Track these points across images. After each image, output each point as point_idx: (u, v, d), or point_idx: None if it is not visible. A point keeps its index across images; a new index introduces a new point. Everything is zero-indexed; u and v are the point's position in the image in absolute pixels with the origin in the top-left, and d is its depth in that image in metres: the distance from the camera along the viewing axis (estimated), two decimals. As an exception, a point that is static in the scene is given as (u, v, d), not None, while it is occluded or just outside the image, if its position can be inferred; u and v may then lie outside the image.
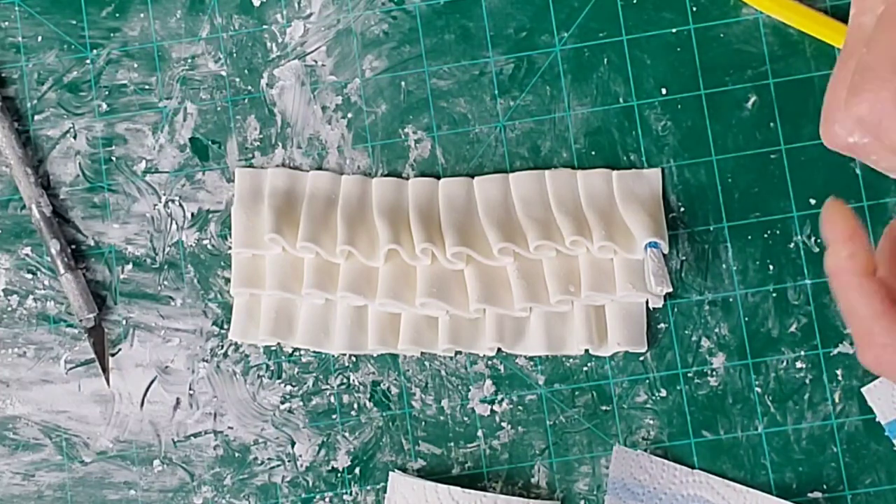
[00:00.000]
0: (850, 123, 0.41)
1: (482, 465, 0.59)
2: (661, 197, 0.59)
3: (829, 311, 0.58)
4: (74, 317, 0.60)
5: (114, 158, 0.61)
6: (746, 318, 0.59)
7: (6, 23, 0.62)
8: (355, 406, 0.60)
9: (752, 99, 0.59)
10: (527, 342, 0.59)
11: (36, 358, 0.61)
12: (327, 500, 0.59)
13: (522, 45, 0.60)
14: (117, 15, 0.62)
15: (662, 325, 0.59)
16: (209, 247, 0.61)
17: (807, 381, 0.58)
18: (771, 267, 0.59)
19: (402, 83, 0.61)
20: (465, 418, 0.59)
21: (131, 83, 0.62)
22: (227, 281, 0.60)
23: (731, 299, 0.59)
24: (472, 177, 0.60)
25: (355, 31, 0.61)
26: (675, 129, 0.59)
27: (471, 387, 0.59)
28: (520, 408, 0.59)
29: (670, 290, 0.57)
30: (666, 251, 0.58)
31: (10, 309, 0.61)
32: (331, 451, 0.59)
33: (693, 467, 0.58)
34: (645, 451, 0.58)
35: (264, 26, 0.61)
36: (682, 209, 0.59)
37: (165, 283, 0.61)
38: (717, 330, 0.59)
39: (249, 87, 0.61)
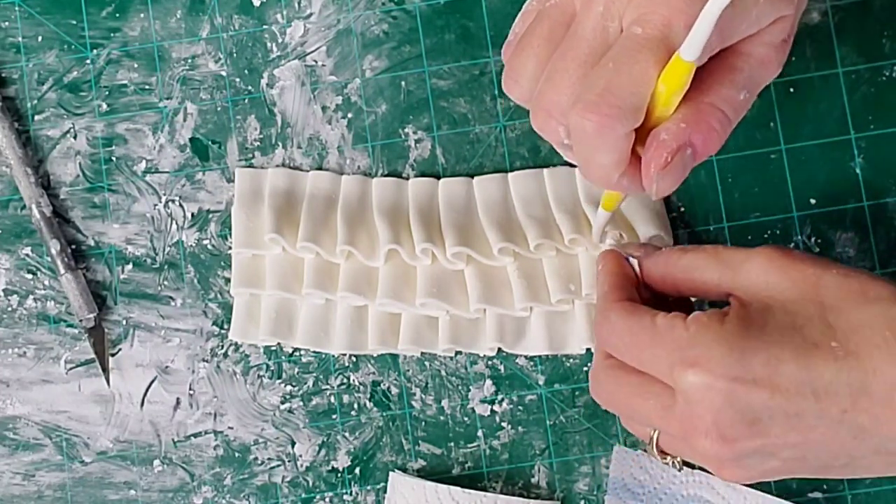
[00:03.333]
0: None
1: (482, 465, 0.59)
2: None
3: None
4: (74, 317, 0.60)
5: (114, 158, 0.61)
6: (746, 318, 0.59)
7: (6, 23, 0.62)
8: (355, 406, 0.60)
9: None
10: (528, 342, 0.59)
11: (36, 358, 0.61)
12: (327, 500, 0.59)
13: (522, 45, 0.61)
14: (117, 15, 0.62)
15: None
16: (209, 247, 0.61)
17: (807, 381, 0.58)
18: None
19: (403, 83, 0.61)
20: (466, 418, 0.59)
21: (131, 83, 0.62)
22: (228, 281, 0.60)
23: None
24: (472, 177, 0.60)
25: (355, 31, 0.61)
26: (675, 129, 0.60)
27: (471, 387, 0.59)
28: (520, 408, 0.59)
29: None
30: (671, 244, 0.58)
31: (10, 309, 0.61)
32: (331, 451, 0.59)
33: (693, 467, 0.58)
34: (645, 451, 0.58)
35: (264, 26, 0.61)
36: (682, 209, 0.59)
37: (165, 283, 0.61)
38: (717, 330, 0.59)
39: (249, 87, 0.61)
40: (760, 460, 0.46)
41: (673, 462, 0.50)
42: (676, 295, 0.51)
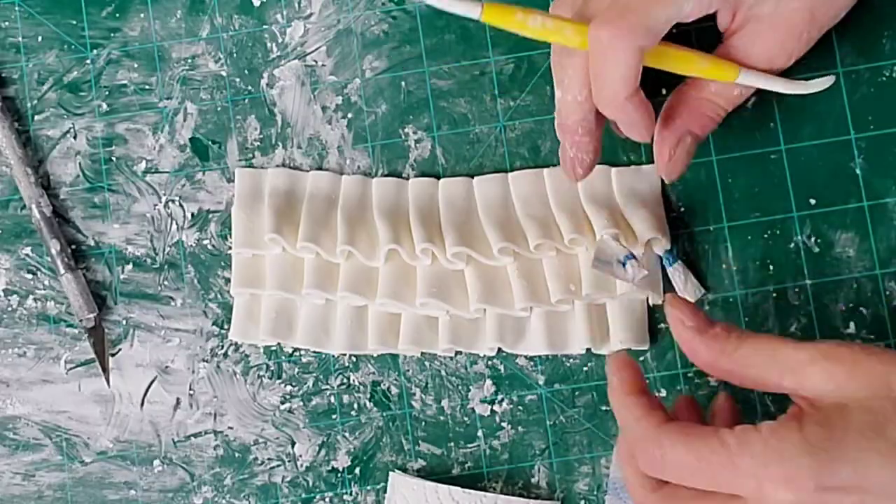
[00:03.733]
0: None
1: (482, 465, 0.59)
2: (660, 193, 0.59)
3: (829, 312, 0.58)
4: (74, 317, 0.60)
5: (114, 158, 0.61)
6: (746, 318, 0.59)
7: (6, 23, 0.62)
8: (355, 406, 0.60)
9: (752, 99, 0.59)
10: (528, 342, 0.59)
11: (36, 358, 0.61)
12: (327, 500, 0.59)
13: (523, 45, 0.60)
14: (117, 15, 0.62)
15: (662, 325, 0.59)
16: (209, 247, 0.61)
17: (807, 381, 0.58)
18: (771, 267, 0.59)
19: (403, 83, 0.61)
20: (466, 418, 0.59)
21: (131, 83, 0.62)
22: (228, 281, 0.60)
23: (731, 299, 0.59)
24: (472, 177, 0.60)
25: (355, 31, 0.61)
26: (675, 129, 0.60)
27: (471, 387, 0.59)
28: (520, 408, 0.59)
29: (702, 293, 0.58)
30: (668, 246, 0.58)
31: (10, 309, 0.61)
32: (331, 451, 0.60)
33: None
34: (645, 451, 0.58)
35: (264, 26, 0.61)
36: (682, 209, 0.59)
37: (165, 283, 0.61)
38: (717, 330, 0.59)
39: (249, 88, 0.61)
40: None
41: None
42: (723, 380, 0.49)
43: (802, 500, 0.43)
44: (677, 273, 0.58)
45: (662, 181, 0.59)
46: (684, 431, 0.46)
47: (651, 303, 0.59)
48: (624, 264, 0.55)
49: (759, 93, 0.55)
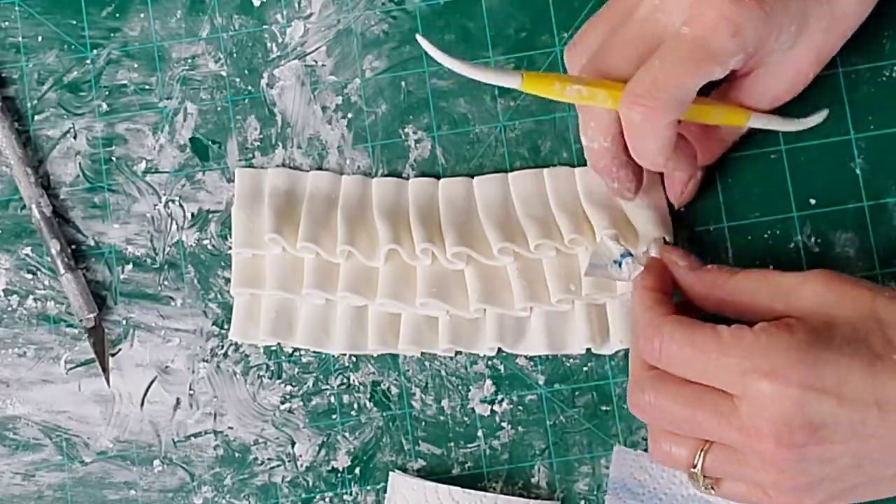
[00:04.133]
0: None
1: (482, 465, 0.59)
2: (662, 190, 0.59)
3: None
4: (74, 317, 0.60)
5: (114, 158, 0.61)
6: (746, 318, 0.59)
7: (6, 23, 0.62)
8: (355, 406, 0.60)
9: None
10: (528, 342, 0.59)
11: (36, 358, 0.61)
12: (327, 500, 0.59)
13: (523, 45, 0.61)
14: (117, 15, 0.62)
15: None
16: (209, 247, 0.61)
17: (807, 381, 0.58)
18: (771, 267, 0.59)
19: (403, 83, 0.61)
20: (466, 418, 0.59)
21: (131, 83, 0.62)
22: (228, 281, 0.60)
23: (731, 299, 0.59)
24: (473, 177, 0.60)
25: (355, 31, 0.61)
26: (675, 129, 0.60)
27: (471, 387, 0.59)
28: (520, 408, 0.59)
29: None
30: (671, 242, 0.58)
31: (10, 309, 0.61)
32: (331, 451, 0.60)
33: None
34: (645, 451, 0.58)
35: (264, 26, 0.62)
36: (682, 209, 0.59)
37: (166, 283, 0.61)
38: (717, 330, 0.59)
39: (249, 88, 0.61)
40: (819, 466, 0.47)
41: (709, 485, 0.51)
42: (716, 312, 0.52)
43: (783, 393, 0.46)
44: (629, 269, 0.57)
45: (662, 180, 0.59)
46: (684, 323, 0.49)
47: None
48: (620, 264, 0.55)
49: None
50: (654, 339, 0.49)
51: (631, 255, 0.55)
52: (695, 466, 0.50)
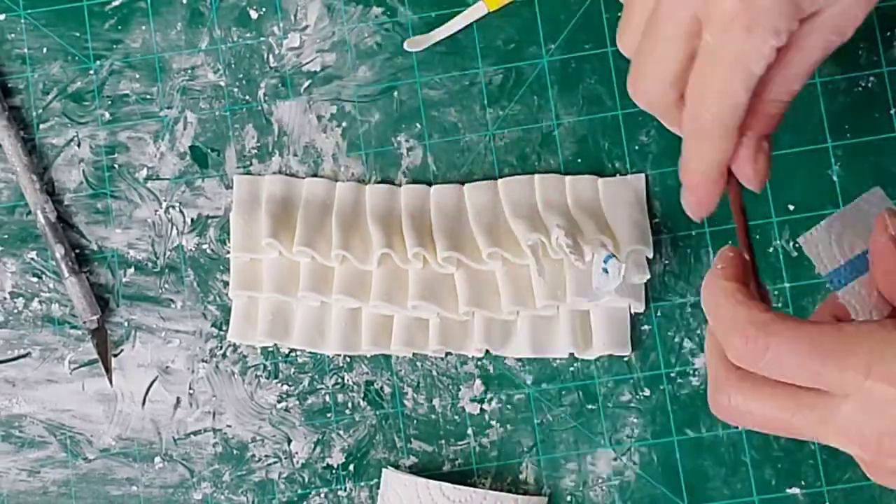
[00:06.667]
0: None
1: (472, 461, 0.60)
2: (645, 202, 0.60)
3: (808, 315, 0.59)
4: (78, 319, 0.61)
5: (116, 166, 0.62)
6: (727, 320, 0.59)
7: (13, 35, 0.62)
8: (349, 405, 0.60)
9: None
10: (514, 344, 0.59)
11: (41, 358, 0.61)
12: (322, 495, 0.60)
13: (511, 57, 0.61)
14: (120, 27, 0.62)
15: (646, 326, 0.59)
16: (208, 251, 0.61)
17: (785, 380, 0.59)
18: (750, 271, 0.59)
19: (395, 93, 0.61)
20: (456, 417, 0.60)
21: (133, 93, 0.62)
22: (226, 284, 0.61)
23: (712, 302, 0.59)
24: (463, 183, 0.61)
25: (350, 43, 0.62)
26: (659, 137, 0.60)
27: (461, 386, 0.60)
28: (508, 407, 0.60)
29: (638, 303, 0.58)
30: (650, 255, 0.58)
31: (16, 311, 0.61)
32: (326, 449, 0.60)
33: (677, 467, 0.59)
34: (629, 448, 0.59)
35: (262, 38, 0.62)
36: (664, 214, 0.60)
37: (166, 286, 0.61)
38: (698, 332, 0.59)
39: (247, 97, 0.62)
40: None
41: None
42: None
43: None
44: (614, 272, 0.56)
45: (648, 190, 0.60)
46: (791, 319, 0.41)
47: (633, 311, 0.59)
48: (606, 270, 0.55)
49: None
50: (757, 337, 0.41)
51: (614, 255, 0.56)
52: None
